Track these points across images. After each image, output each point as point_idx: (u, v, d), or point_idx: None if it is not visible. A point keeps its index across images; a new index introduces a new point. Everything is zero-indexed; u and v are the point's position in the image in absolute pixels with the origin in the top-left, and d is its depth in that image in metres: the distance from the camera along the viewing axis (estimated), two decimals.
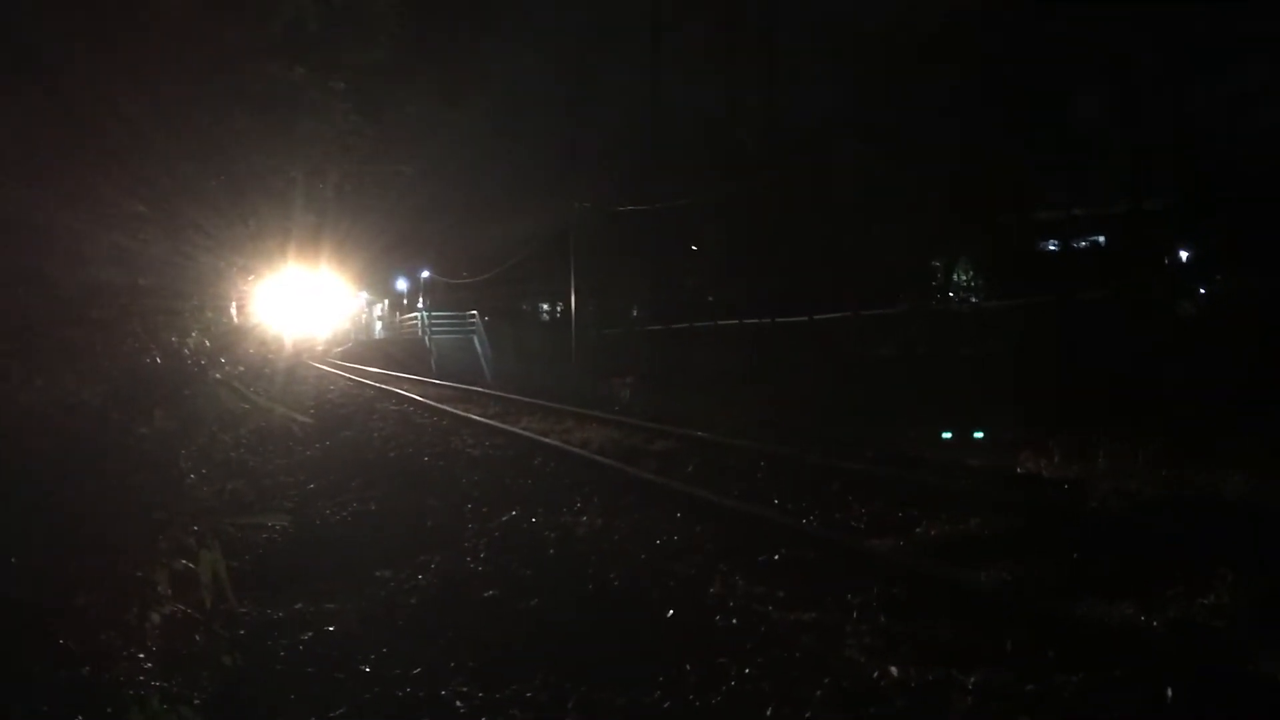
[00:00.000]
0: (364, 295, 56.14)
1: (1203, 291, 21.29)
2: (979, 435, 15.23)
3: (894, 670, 4.42)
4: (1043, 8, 23.96)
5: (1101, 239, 31.47)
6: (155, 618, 3.94)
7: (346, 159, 7.89)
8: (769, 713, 4.07)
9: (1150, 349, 16.31)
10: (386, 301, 60.02)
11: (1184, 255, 27.59)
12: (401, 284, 57.97)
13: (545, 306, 55.26)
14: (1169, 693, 4.14)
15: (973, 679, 4.32)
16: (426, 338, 43.77)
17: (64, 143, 4.51)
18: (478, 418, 16.47)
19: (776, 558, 6.56)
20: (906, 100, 28.13)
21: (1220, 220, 22.66)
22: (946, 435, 15.52)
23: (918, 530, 7.40)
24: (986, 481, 9.36)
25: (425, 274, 54.44)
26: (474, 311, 43.99)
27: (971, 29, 26.00)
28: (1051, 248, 32.19)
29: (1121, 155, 25.22)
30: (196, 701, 4.08)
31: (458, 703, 4.24)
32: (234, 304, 6.72)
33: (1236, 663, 4.57)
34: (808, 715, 4.05)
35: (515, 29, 47.20)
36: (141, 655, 3.92)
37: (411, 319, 50.47)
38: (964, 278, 32.79)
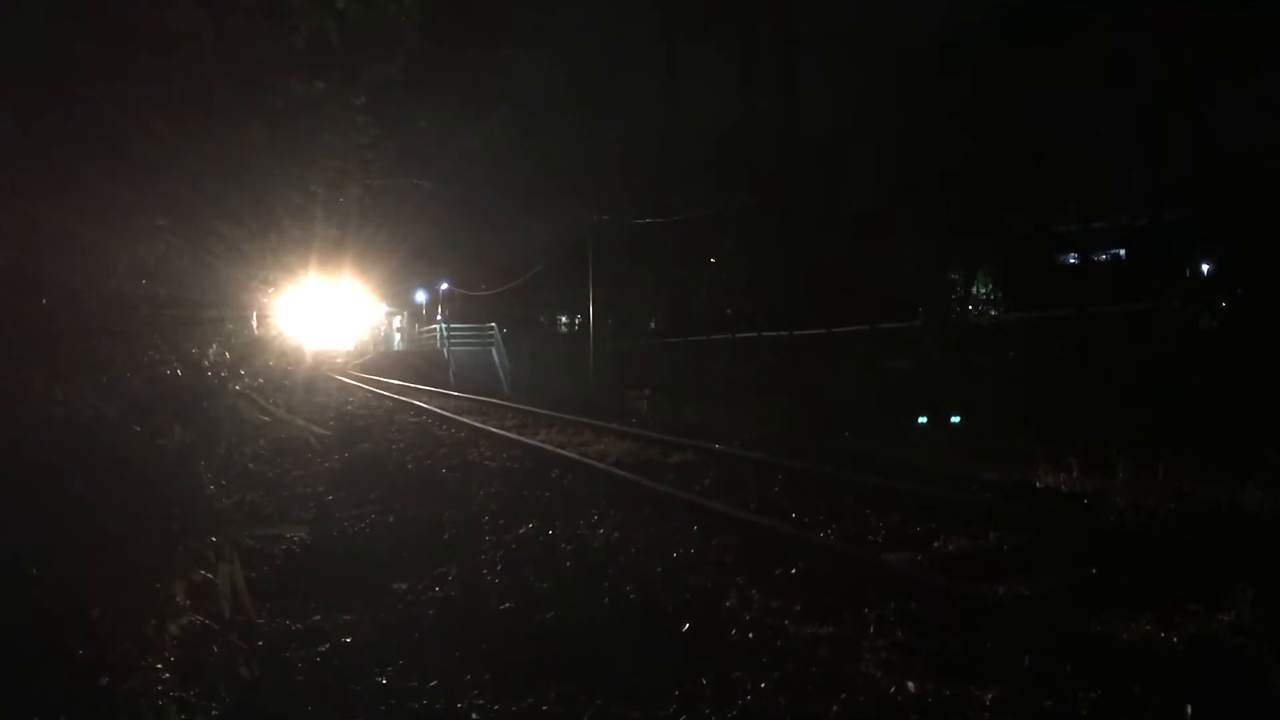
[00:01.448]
0: (384, 307, 56.33)
1: (1223, 304, 21.15)
2: (956, 419, 15.30)
3: (910, 685, 4.41)
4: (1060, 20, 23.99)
5: (1121, 252, 31.39)
6: (173, 629, 3.97)
7: (366, 172, 7.93)
8: None
9: (1170, 362, 16.22)
10: (406, 313, 60.22)
11: (1205, 268, 27.47)
12: (420, 296, 58.18)
13: (563, 318, 55.42)
14: (1188, 710, 4.11)
15: (989, 695, 4.30)
16: (445, 349, 43.88)
17: (89, 156, 4.55)
18: (495, 430, 16.49)
19: (793, 571, 6.55)
20: (923, 112, 28.12)
21: (1240, 233, 22.56)
22: (922, 420, 15.61)
23: (935, 544, 7.37)
24: (1004, 495, 9.31)
25: (444, 286, 54.67)
26: (492, 324, 44.13)
27: (989, 41, 26.02)
28: (1071, 260, 32.11)
29: (1141, 168, 25.15)
30: (214, 712, 4.10)
31: (474, 715, 4.25)
32: (254, 315, 6.76)
33: (1257, 680, 4.54)
34: None
35: (531, 42, 47.43)
36: (159, 666, 3.94)
37: (430, 331, 50.63)
38: (983, 290, 32.72)
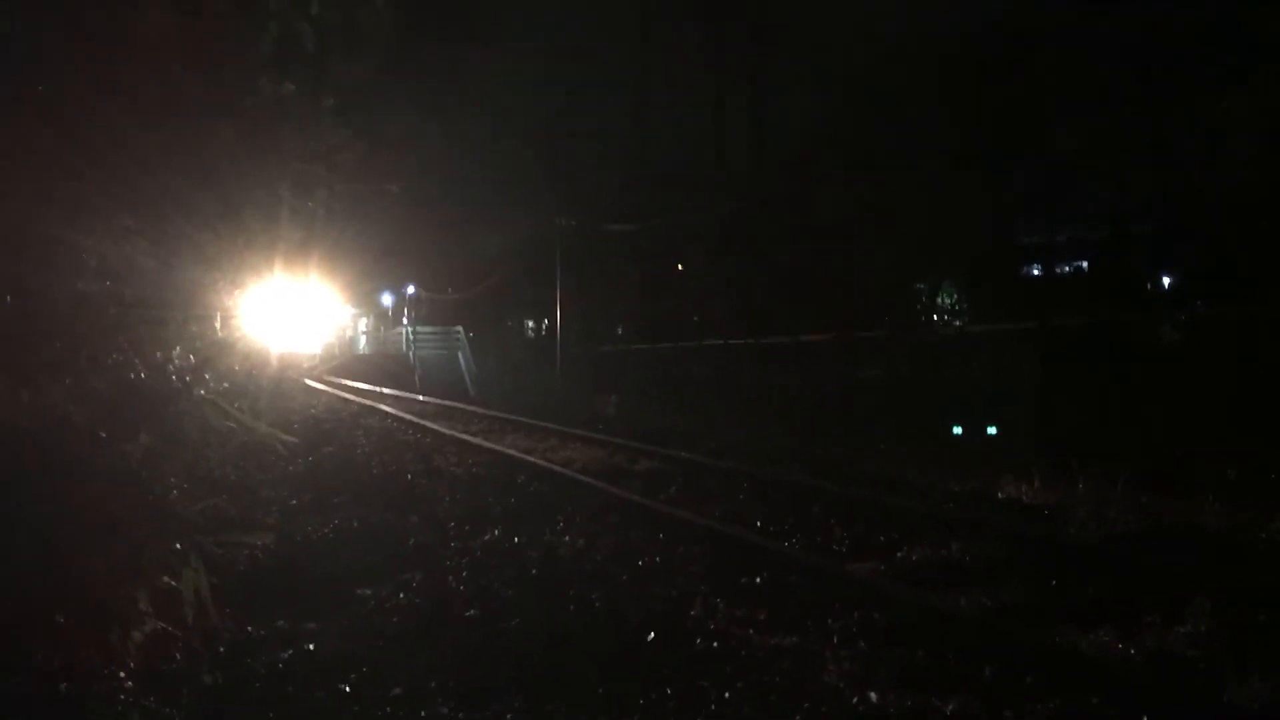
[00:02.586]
0: (350, 309, 55.98)
1: (1184, 318, 21.42)
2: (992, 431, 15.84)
3: (873, 696, 4.44)
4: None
5: (1084, 264, 31.73)
6: (137, 635, 3.93)
7: (334, 174, 7.90)
8: None
9: (1131, 375, 16.41)
10: (372, 315, 59.88)
11: (1166, 281, 27.83)
12: (387, 298, 57.87)
13: (530, 322, 55.23)
14: None
15: (950, 706, 4.35)
16: (411, 353, 43.67)
17: (54, 154, 4.52)
18: (461, 435, 16.45)
19: (758, 581, 6.58)
20: (891, 124, 28.32)
21: (1201, 247, 22.89)
22: (957, 430, 16.05)
23: (899, 555, 7.44)
24: (967, 506, 9.40)
25: (410, 289, 54.38)
26: (458, 327, 43.96)
27: (957, 55, 26.25)
28: (1035, 272, 32.42)
29: (1103, 181, 25.44)
30: None
31: None
32: (219, 317, 6.71)
33: (1212, 692, 4.61)
34: None
35: (502, 45, 47.32)
36: (122, 674, 3.91)
37: (396, 333, 50.36)
38: (948, 301, 32.95)
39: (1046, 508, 9.20)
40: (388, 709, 4.39)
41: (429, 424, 18.54)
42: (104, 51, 4.80)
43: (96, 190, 4.73)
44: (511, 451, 13.87)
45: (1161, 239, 25.37)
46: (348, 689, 4.62)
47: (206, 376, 5.55)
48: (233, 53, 5.84)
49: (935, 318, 31.46)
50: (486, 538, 7.70)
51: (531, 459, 12.85)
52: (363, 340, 57.94)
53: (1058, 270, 31.84)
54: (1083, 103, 24.76)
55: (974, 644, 5.12)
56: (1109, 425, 14.55)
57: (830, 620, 5.66)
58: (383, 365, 42.55)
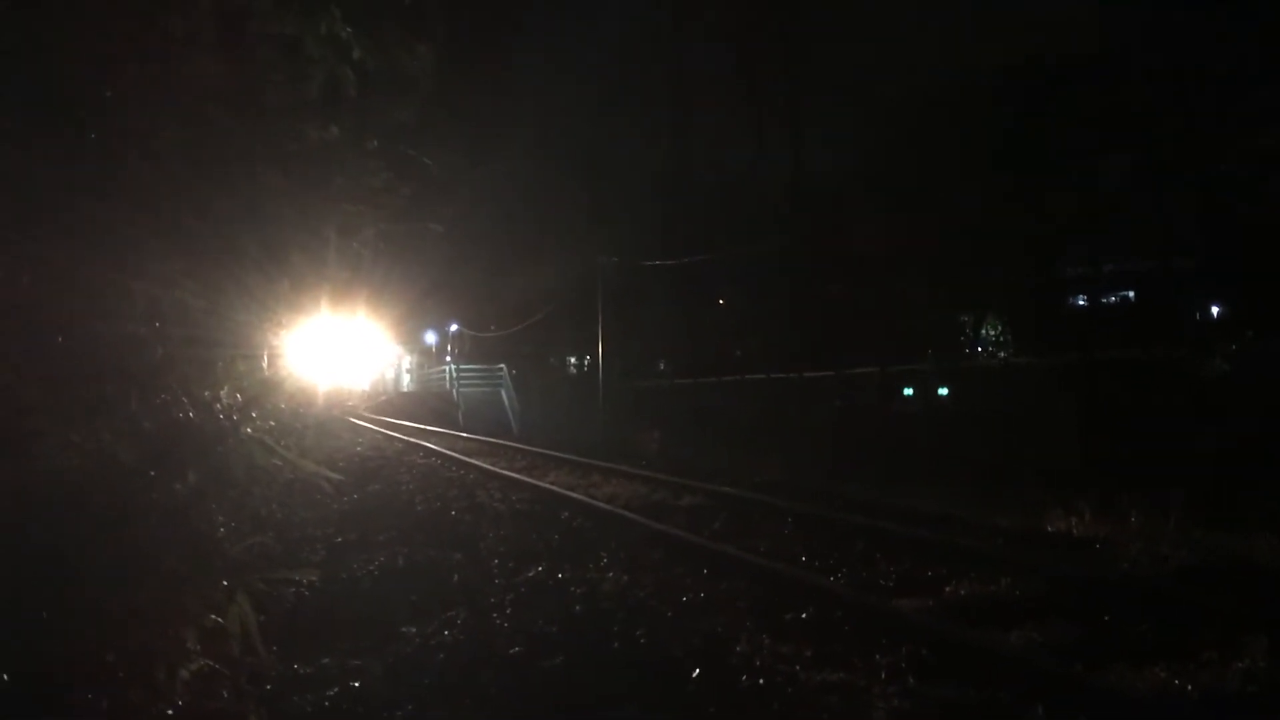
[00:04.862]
0: (395, 347, 56.49)
1: (1234, 348, 21.08)
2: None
3: None
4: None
5: (1131, 294, 31.36)
6: (184, 674, 3.96)
7: (379, 215, 8.00)
8: None
9: (1179, 408, 16.16)
10: (416, 354, 60.36)
11: (1215, 310, 27.44)
12: (430, 337, 58.37)
13: (572, 359, 55.42)
14: None
15: None
16: (454, 390, 43.91)
17: (104, 198, 4.61)
18: (504, 471, 16.48)
19: (804, 616, 6.52)
20: (932, 157, 28.24)
21: (1250, 278, 22.56)
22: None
23: (946, 590, 7.34)
24: (1016, 541, 9.28)
25: (454, 327, 54.83)
26: (501, 365, 44.18)
27: (1001, 89, 26.20)
28: (1081, 303, 32.09)
29: (1150, 213, 25.21)
30: None
31: None
32: (266, 356, 6.79)
33: None
34: None
35: (542, 86, 47.92)
36: (170, 712, 3.93)
37: (439, 371, 50.70)
38: (992, 333, 32.67)
39: (1097, 542, 9.05)
40: None
41: (473, 461, 18.59)
42: (154, 98, 4.90)
43: (146, 233, 4.81)
44: (555, 488, 13.87)
45: (1208, 270, 25.07)
46: None
47: (253, 415, 5.61)
48: (279, 98, 5.96)
49: (980, 350, 31.21)
50: (530, 574, 7.69)
51: (575, 495, 12.84)
52: (407, 378, 58.36)
53: (1103, 301, 31.50)
54: (1126, 136, 24.63)
55: (1025, 681, 5.03)
56: (1159, 458, 14.30)
57: (878, 656, 5.58)
58: (427, 402, 42.81)
